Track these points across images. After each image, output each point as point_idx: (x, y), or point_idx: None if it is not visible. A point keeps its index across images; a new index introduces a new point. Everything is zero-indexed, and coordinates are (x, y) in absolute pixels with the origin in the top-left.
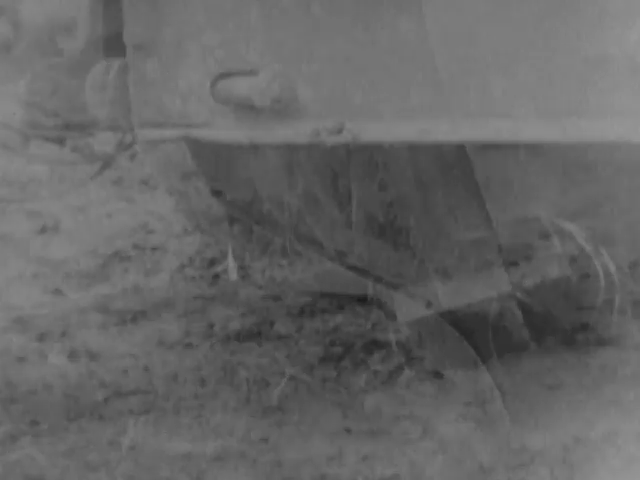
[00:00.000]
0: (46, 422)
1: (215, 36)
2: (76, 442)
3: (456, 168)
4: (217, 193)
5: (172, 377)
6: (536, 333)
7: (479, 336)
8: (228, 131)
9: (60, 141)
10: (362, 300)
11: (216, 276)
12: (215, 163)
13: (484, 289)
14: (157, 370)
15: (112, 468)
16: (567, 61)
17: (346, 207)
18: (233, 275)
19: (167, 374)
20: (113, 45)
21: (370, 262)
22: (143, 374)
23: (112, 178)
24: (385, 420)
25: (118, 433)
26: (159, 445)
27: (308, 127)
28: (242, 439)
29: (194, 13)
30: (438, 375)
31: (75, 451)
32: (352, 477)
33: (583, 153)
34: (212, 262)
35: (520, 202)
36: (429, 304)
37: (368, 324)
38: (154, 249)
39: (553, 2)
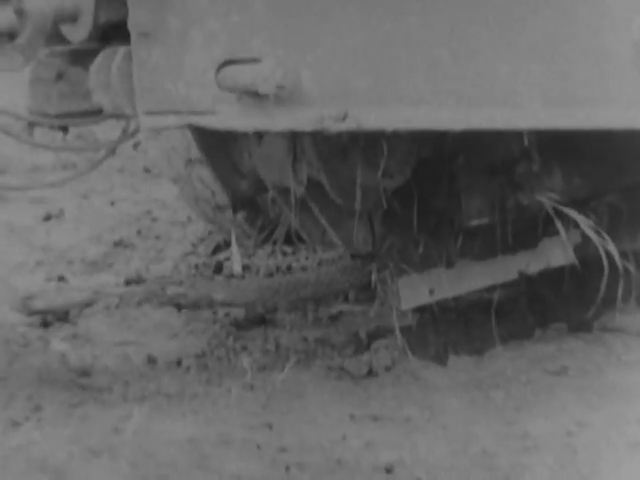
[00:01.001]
0: (49, 408)
1: (219, 23)
2: (80, 428)
3: (461, 155)
4: (221, 180)
5: (176, 363)
6: (540, 320)
7: (483, 323)
8: (232, 118)
9: (64, 129)
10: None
11: (220, 264)
12: (219, 151)
13: (488, 276)
14: (161, 357)
15: (116, 454)
16: (573, 50)
17: (350, 194)
18: (237, 267)
19: (171, 360)
20: (117, 33)
21: (374, 249)
22: (147, 360)
23: (116, 166)
24: (388, 406)
25: (122, 419)
26: (163, 431)
27: (312, 114)
28: (246, 425)
29: (198, 1)
30: (442, 361)
31: (79, 437)
32: (356, 462)
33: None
34: (216, 250)
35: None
36: (432, 291)
37: (371, 311)
38: (158, 237)
39: None
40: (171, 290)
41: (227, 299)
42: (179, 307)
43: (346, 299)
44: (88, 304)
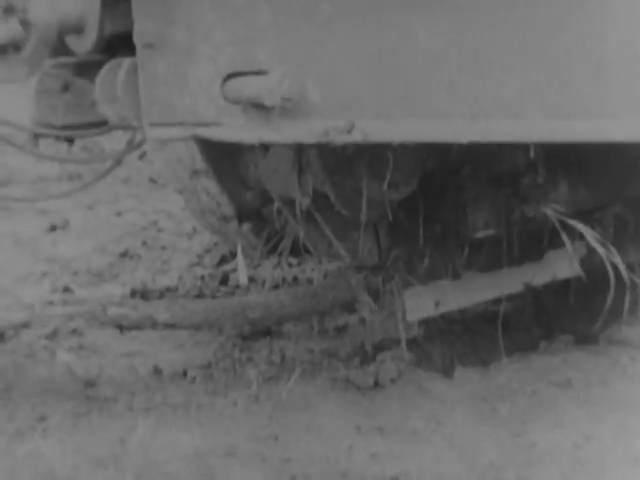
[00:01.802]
0: (55, 418)
1: (225, 35)
2: (85, 438)
3: (466, 167)
4: (226, 191)
5: (181, 374)
6: (545, 332)
7: (489, 335)
8: (238, 130)
9: (70, 140)
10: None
11: (225, 275)
12: (225, 162)
13: (493, 288)
14: (166, 368)
15: (121, 464)
16: (577, 62)
17: (356, 206)
18: (243, 279)
19: (176, 371)
20: (123, 44)
21: (380, 261)
22: (152, 371)
23: (121, 177)
24: (394, 417)
25: (127, 429)
26: (168, 442)
27: (318, 126)
28: (252, 436)
29: (204, 12)
30: (448, 373)
31: (84, 447)
32: (362, 474)
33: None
34: (221, 261)
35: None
36: (438, 303)
37: (377, 322)
38: (163, 248)
39: (563, 4)
40: (112, 311)
41: (171, 320)
42: (121, 328)
43: (352, 310)
44: (25, 325)
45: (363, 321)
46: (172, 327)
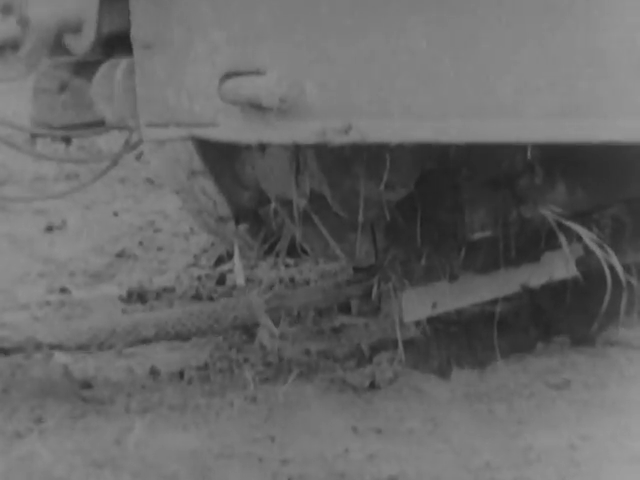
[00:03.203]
0: (52, 420)
1: (223, 35)
2: (82, 440)
3: (464, 168)
4: (223, 192)
5: (178, 375)
6: (542, 333)
7: (485, 336)
8: (235, 130)
9: (67, 140)
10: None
11: (222, 275)
12: (222, 162)
13: (490, 289)
14: (163, 368)
15: (118, 465)
16: (577, 61)
17: (353, 207)
18: (240, 279)
19: (173, 372)
20: (120, 44)
21: (376, 262)
22: (149, 372)
23: (118, 177)
24: (391, 419)
25: (124, 430)
26: (165, 443)
27: (315, 127)
28: (248, 437)
29: (201, 12)
30: (445, 375)
31: (81, 448)
32: (359, 475)
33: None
34: (218, 261)
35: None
36: (435, 304)
37: (374, 323)
38: (160, 248)
39: (563, 3)
40: None
41: (55, 341)
42: (3, 352)
43: (348, 311)
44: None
45: (264, 347)
46: (57, 348)
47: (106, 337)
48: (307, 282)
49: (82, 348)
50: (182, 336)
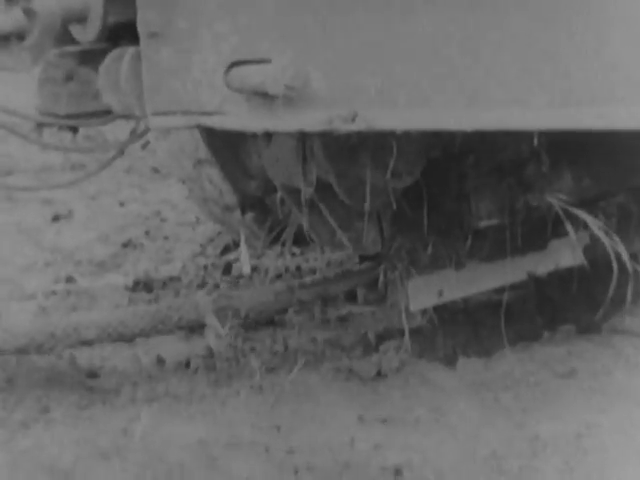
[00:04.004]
0: (58, 410)
1: (228, 24)
2: (88, 430)
3: (470, 156)
4: (229, 181)
5: (184, 365)
6: (549, 322)
7: (492, 325)
8: (241, 119)
9: (73, 129)
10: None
11: (228, 264)
12: (228, 151)
13: (497, 278)
14: (169, 358)
15: (124, 455)
16: (580, 51)
17: (359, 195)
18: (247, 268)
19: (179, 362)
20: (127, 33)
21: (383, 250)
22: (155, 362)
23: (124, 166)
24: (397, 408)
25: (130, 420)
26: (171, 432)
27: (322, 115)
28: (254, 426)
29: (207, 1)
30: (451, 363)
31: (87, 438)
32: (365, 464)
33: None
34: (225, 250)
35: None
36: (441, 292)
37: (380, 312)
38: (166, 238)
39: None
40: None
41: None
42: None
43: (355, 300)
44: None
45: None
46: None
47: (45, 340)
48: (313, 271)
49: (20, 352)
50: (125, 338)
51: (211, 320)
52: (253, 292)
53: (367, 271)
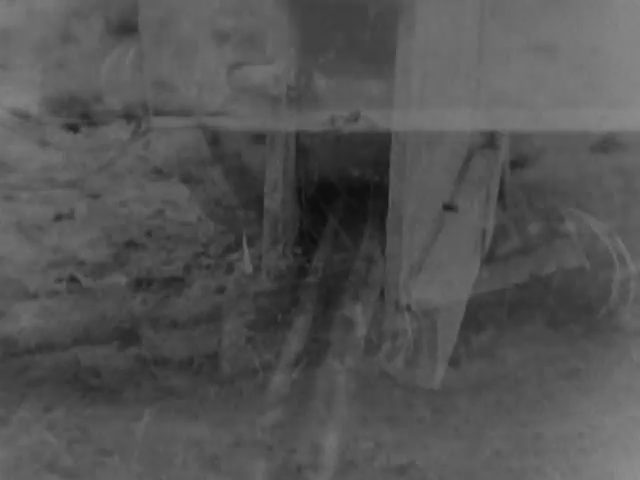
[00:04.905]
0: (60, 408)
1: (231, 24)
2: (91, 428)
3: (475, 156)
4: (232, 181)
5: (187, 364)
6: (552, 321)
7: (494, 324)
8: (244, 119)
9: (75, 128)
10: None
11: (230, 264)
12: (230, 151)
13: (500, 278)
14: (172, 357)
15: (127, 454)
16: (582, 52)
17: (363, 196)
18: (248, 268)
19: (182, 360)
20: (129, 33)
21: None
22: (158, 360)
23: (126, 166)
24: (400, 407)
25: (133, 419)
26: (174, 431)
27: (324, 115)
28: (257, 426)
29: (210, 1)
30: (454, 362)
31: (90, 437)
32: (368, 464)
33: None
34: (227, 250)
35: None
36: (445, 292)
37: (381, 312)
38: (168, 237)
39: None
40: None
41: None
42: None
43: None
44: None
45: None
46: None
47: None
48: (316, 271)
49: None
50: (54, 348)
51: (145, 331)
52: (186, 301)
53: (367, 271)
